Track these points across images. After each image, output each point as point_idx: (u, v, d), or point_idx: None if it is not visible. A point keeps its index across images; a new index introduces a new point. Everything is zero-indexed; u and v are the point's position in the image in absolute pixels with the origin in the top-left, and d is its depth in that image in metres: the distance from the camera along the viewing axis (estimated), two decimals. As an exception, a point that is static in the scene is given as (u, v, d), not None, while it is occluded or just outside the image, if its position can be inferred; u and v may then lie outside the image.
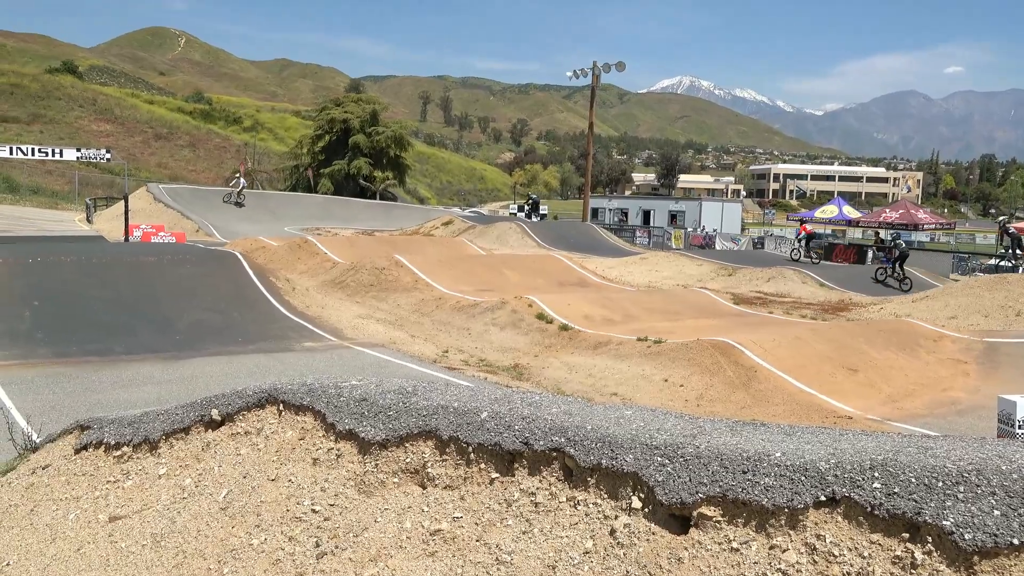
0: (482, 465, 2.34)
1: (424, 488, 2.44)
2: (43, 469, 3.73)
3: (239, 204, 38.89)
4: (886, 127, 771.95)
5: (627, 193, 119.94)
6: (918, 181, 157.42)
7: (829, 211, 41.05)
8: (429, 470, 2.44)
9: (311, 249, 24.63)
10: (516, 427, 2.30)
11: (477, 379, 11.81)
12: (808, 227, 34.42)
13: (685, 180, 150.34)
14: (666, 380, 12.08)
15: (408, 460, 2.49)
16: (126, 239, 27.67)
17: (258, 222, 38.71)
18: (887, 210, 40.18)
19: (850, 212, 40.81)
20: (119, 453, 3.44)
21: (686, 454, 1.94)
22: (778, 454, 1.83)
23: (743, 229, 55.52)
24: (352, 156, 59.89)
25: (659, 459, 1.97)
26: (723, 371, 12.01)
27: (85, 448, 3.67)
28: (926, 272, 28.77)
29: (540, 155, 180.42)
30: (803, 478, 1.77)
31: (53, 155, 26.27)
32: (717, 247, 39.18)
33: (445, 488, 2.37)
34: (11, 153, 25.25)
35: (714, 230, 46.96)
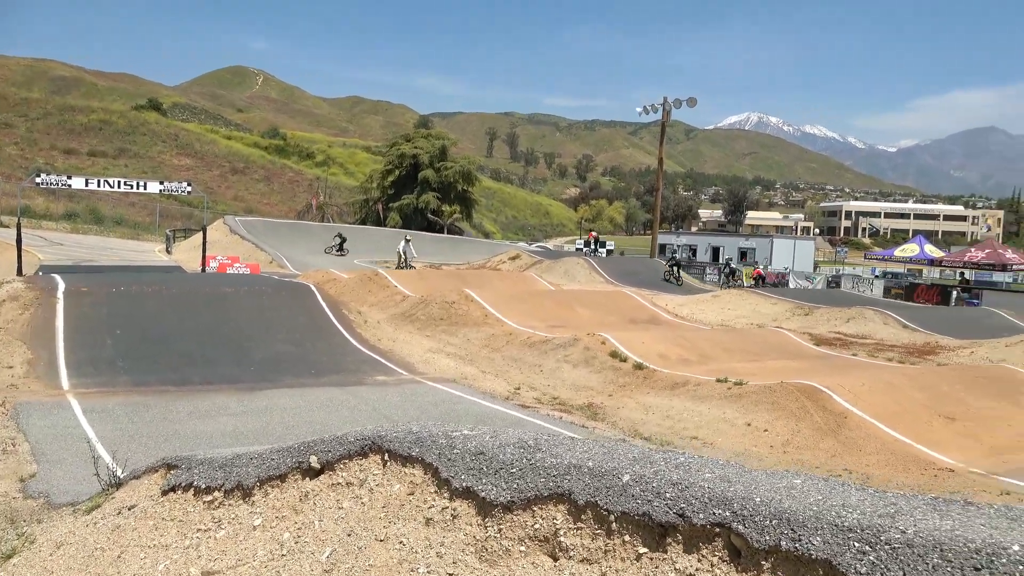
0: (626, 537, 2.04)
1: (556, 560, 2.15)
2: (129, 510, 3.57)
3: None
4: (964, 164, 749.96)
5: (693, 229, 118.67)
6: (999, 220, 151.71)
7: (910, 250, 39.62)
8: (561, 539, 2.15)
9: (381, 282, 24.74)
10: (667, 494, 2.01)
11: (552, 418, 11.51)
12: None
13: (753, 217, 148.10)
14: (749, 424, 11.56)
15: (536, 526, 2.21)
16: (203, 270, 28.31)
17: (329, 254, 39.34)
18: (972, 249, 38.58)
19: (932, 251, 39.30)
20: (210, 498, 3.25)
21: (892, 540, 1.62)
22: (1015, 548, 1.50)
23: (816, 267, 54.12)
24: (421, 190, 60.68)
25: (856, 544, 1.66)
26: (810, 416, 11.44)
27: (173, 490, 3.50)
28: (1017, 315, 27.40)
29: (605, 190, 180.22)
30: (1064, 583, 1.44)
31: (138, 188, 27.10)
32: (790, 285, 38.14)
33: (582, 561, 2.08)
34: (99, 186, 26.16)
35: (785, 268, 45.82)
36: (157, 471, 3.92)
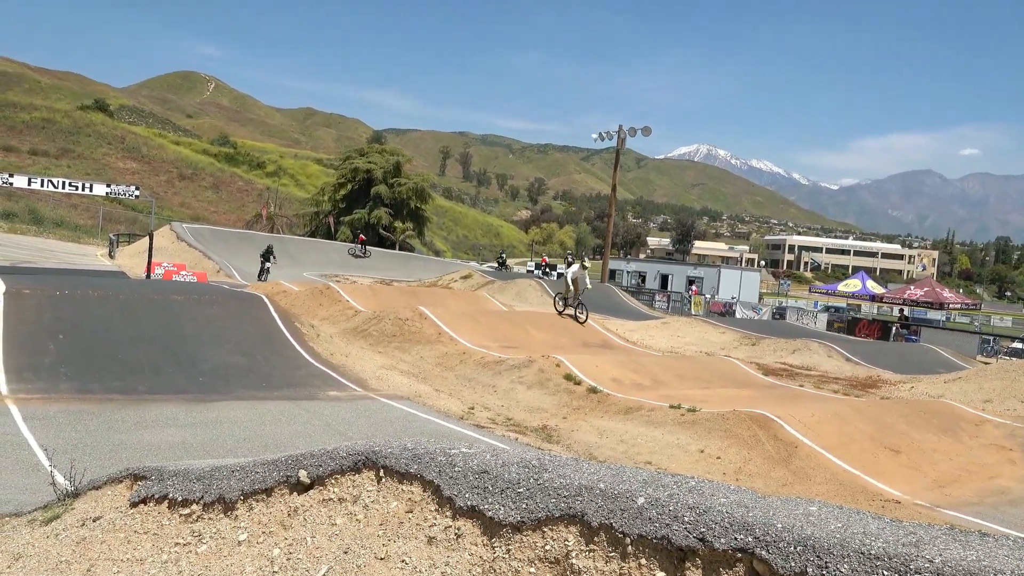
0: (642, 560, 2.01)
1: (567, 582, 2.12)
2: (94, 522, 3.41)
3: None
4: (901, 205, 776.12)
5: (641, 256, 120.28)
6: (933, 260, 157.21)
7: (852, 285, 40.79)
8: (573, 561, 2.11)
9: (333, 296, 24.43)
10: (686, 518, 1.99)
11: (507, 439, 11.45)
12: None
13: (700, 246, 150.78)
14: (702, 451, 11.66)
15: (547, 548, 2.16)
16: (148, 276, 27.61)
17: (278, 266, 38.70)
18: (912, 287, 39.86)
19: (873, 287, 40.53)
20: (187, 512, 3.11)
21: (920, 569, 1.63)
22: (1045, 578, 1.54)
23: (760, 299, 55.23)
24: (373, 206, 60.35)
25: (885, 573, 1.66)
26: (762, 445, 11.59)
27: (144, 502, 3.35)
28: (953, 352, 28.29)
29: (556, 214, 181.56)
30: (1097, 614, 1.46)
31: (82, 189, 26.33)
32: (737, 315, 38.81)
33: (595, 584, 2.05)
34: (42, 185, 25.34)
35: (732, 298, 46.68)
36: (121, 481, 3.76)
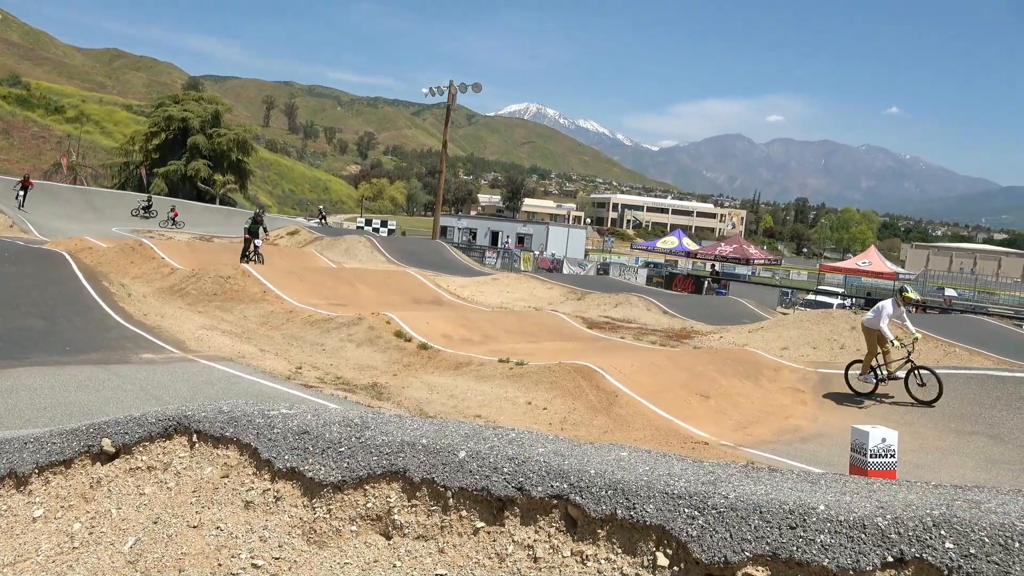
0: (463, 512, 2.04)
1: (389, 538, 2.11)
2: None
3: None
4: (715, 166, 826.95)
5: (472, 213, 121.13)
6: (741, 218, 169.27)
7: (670, 242, 43.22)
8: (395, 517, 2.10)
9: (146, 253, 22.93)
10: (505, 469, 2.03)
11: (335, 398, 11.30)
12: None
13: (529, 204, 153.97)
14: (529, 403, 12.03)
15: (369, 505, 2.14)
16: (-75, 231, 24.68)
17: (82, 221, 35.82)
18: (723, 244, 42.75)
19: (689, 244, 43.16)
20: (-28, 490, 2.83)
21: (717, 505, 1.76)
22: (822, 507, 1.70)
23: (586, 255, 57.30)
24: (190, 157, 56.86)
25: (686, 510, 1.78)
26: (585, 395, 12.11)
27: (-80, 481, 3.01)
28: (757, 304, 30.73)
29: (387, 169, 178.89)
30: (863, 536, 1.63)
31: None
32: (564, 271, 40.10)
33: (417, 539, 2.05)
34: None
35: (552, 254, 48.11)
36: None
